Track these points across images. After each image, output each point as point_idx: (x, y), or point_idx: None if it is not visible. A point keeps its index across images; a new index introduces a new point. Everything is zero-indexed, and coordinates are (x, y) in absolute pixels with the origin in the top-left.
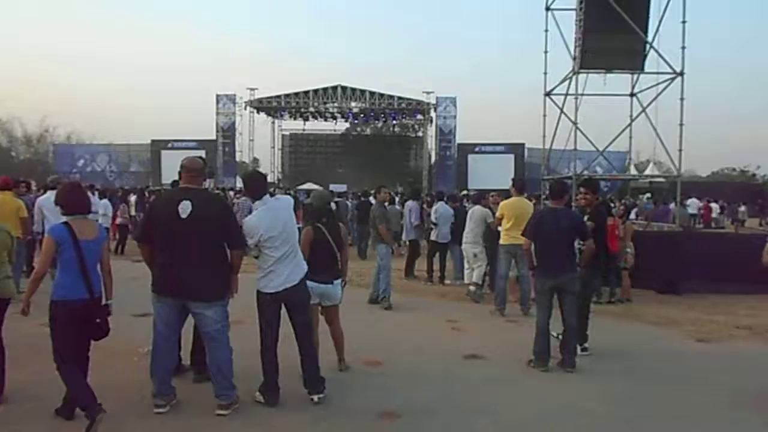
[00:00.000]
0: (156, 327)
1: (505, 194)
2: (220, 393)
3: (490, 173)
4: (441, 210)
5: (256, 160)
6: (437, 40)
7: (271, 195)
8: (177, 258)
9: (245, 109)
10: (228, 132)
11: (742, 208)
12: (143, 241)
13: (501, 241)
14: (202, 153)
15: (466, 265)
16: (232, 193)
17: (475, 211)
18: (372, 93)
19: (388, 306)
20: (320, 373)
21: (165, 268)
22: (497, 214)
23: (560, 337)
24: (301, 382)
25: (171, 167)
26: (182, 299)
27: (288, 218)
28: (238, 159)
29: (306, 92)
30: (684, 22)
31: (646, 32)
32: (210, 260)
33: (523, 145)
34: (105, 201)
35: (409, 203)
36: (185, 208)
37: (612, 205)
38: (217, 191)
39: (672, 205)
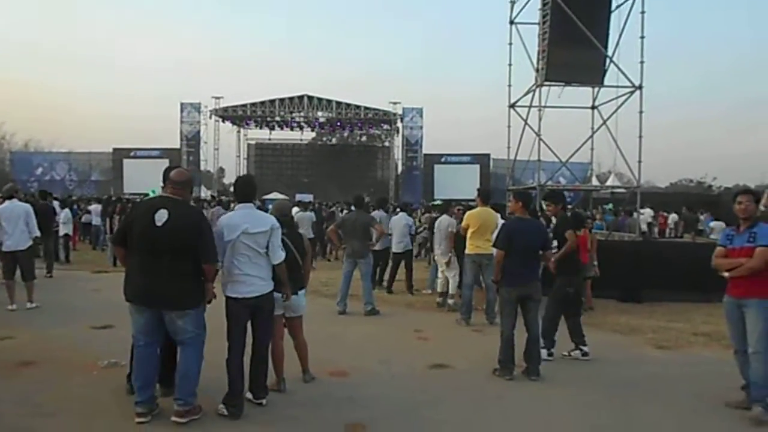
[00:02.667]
0: (133, 334)
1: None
2: (179, 396)
3: (456, 183)
4: (395, 220)
5: (221, 170)
6: (404, 52)
7: (260, 209)
8: (150, 265)
9: (210, 117)
10: (192, 141)
11: (702, 217)
12: (119, 245)
13: (466, 251)
14: (165, 162)
15: (438, 275)
16: (204, 203)
17: (441, 221)
18: (338, 103)
19: (372, 310)
20: (266, 382)
21: (137, 275)
22: (462, 224)
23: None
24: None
25: (133, 176)
26: (154, 307)
27: (266, 227)
28: (202, 168)
29: (272, 101)
30: (642, 37)
31: (606, 47)
32: (183, 269)
33: (488, 155)
34: (66, 210)
35: (376, 213)
36: (161, 216)
37: (589, 217)
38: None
39: (635, 215)
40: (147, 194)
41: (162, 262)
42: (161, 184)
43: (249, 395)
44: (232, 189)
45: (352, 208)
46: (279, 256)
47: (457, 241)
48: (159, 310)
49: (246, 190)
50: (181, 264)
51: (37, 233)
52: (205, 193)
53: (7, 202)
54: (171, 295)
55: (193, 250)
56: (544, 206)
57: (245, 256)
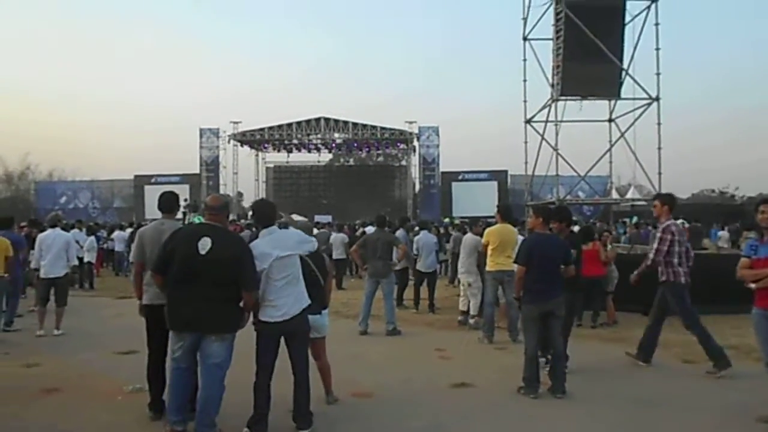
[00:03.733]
0: (171, 356)
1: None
2: (201, 421)
3: (475, 200)
4: (423, 239)
5: (240, 195)
6: (418, 71)
7: (281, 227)
8: (193, 293)
9: (228, 142)
10: (212, 166)
11: (723, 232)
12: (159, 272)
13: (487, 268)
14: (185, 188)
15: (462, 295)
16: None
17: (467, 239)
18: (355, 124)
19: (394, 330)
20: (310, 408)
21: (180, 303)
22: (483, 241)
23: (549, 360)
24: (290, 416)
25: (155, 202)
26: (196, 332)
27: (294, 247)
28: (222, 192)
29: (289, 124)
30: (658, 49)
31: (621, 60)
32: (225, 295)
33: (506, 172)
34: (91, 238)
35: (398, 232)
36: (205, 244)
37: (605, 230)
38: (236, 225)
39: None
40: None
41: (205, 289)
42: (182, 209)
43: (293, 424)
44: (250, 213)
45: (368, 227)
46: (311, 246)
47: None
48: (201, 333)
49: (267, 212)
50: (224, 291)
51: (75, 262)
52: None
53: (50, 230)
54: (214, 318)
55: (235, 278)
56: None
57: (279, 281)
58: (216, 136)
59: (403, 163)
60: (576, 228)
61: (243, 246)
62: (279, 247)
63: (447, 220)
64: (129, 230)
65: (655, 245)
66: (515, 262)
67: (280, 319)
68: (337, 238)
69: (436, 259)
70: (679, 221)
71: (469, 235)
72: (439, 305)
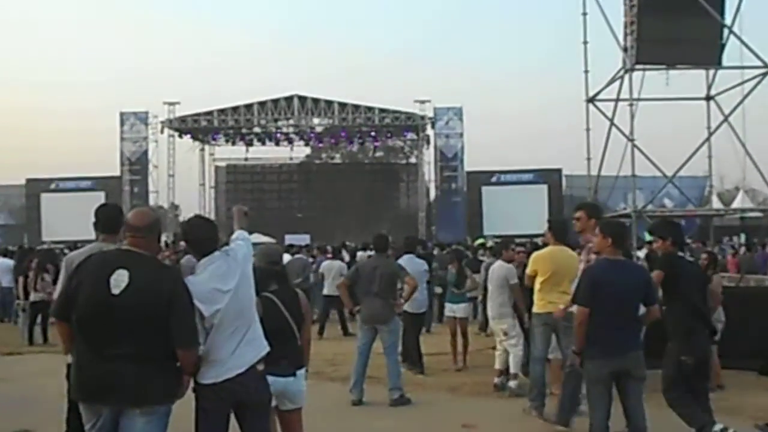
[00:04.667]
0: None
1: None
2: None
3: (515, 213)
4: (407, 267)
5: (175, 207)
6: (431, 29)
7: (224, 245)
8: (105, 348)
9: (162, 131)
10: (137, 165)
11: None
12: (62, 319)
13: (535, 309)
14: (100, 196)
15: (498, 348)
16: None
17: (495, 270)
18: (342, 105)
19: (401, 398)
20: None
21: (87, 363)
22: (528, 271)
23: None
24: None
25: (55, 217)
26: (113, 404)
27: (243, 279)
28: (152, 202)
29: (248, 106)
30: None
31: (723, 13)
32: (151, 352)
33: (559, 171)
34: (7, 260)
35: (404, 259)
36: (120, 280)
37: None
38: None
39: None
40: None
41: (123, 344)
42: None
43: None
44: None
45: (362, 252)
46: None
47: (518, 297)
48: (118, 407)
49: (203, 234)
50: (150, 346)
51: None
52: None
53: None
54: (137, 385)
55: (164, 328)
56: (650, 238)
57: (227, 328)
58: (144, 123)
59: (412, 159)
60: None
61: (176, 282)
62: (223, 281)
63: (480, 241)
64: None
65: None
66: (574, 300)
67: (223, 378)
68: (332, 266)
69: (427, 295)
70: None
71: (497, 264)
72: (467, 362)
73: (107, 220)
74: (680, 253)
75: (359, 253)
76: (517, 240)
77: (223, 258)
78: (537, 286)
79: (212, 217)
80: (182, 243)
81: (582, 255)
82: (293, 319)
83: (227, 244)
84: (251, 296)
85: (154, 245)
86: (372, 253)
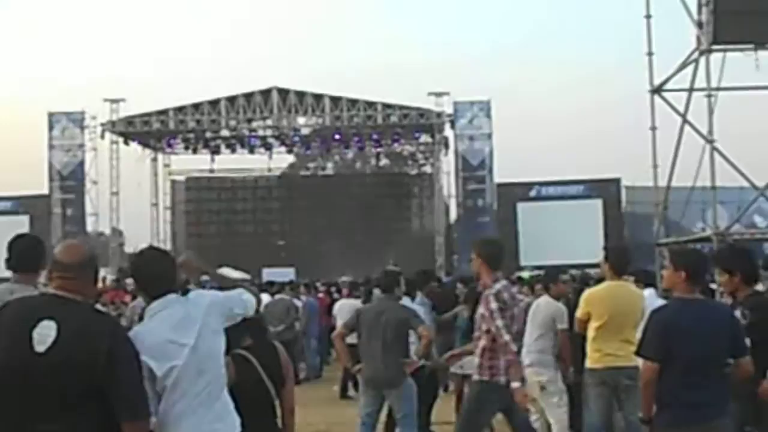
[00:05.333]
0: None
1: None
2: None
3: (560, 237)
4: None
5: (119, 234)
6: (449, 8)
7: (185, 293)
8: (27, 421)
9: (102, 136)
10: (70, 180)
11: None
12: None
13: (588, 363)
14: (23, 220)
15: (532, 410)
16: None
17: (539, 307)
18: (335, 99)
19: None
20: None
21: None
22: (579, 313)
23: None
24: None
25: None
26: None
27: (206, 332)
28: (90, 228)
29: (213, 103)
30: None
31: None
32: (85, 427)
33: (617, 182)
34: None
35: (415, 303)
36: (45, 335)
37: None
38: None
39: None
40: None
41: (47, 418)
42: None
43: None
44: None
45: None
46: (244, 304)
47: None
48: None
49: (155, 271)
50: (84, 420)
51: None
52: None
53: None
54: None
55: (104, 396)
56: (717, 276)
57: (186, 394)
58: (79, 126)
59: (427, 169)
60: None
61: (117, 335)
62: (179, 332)
63: (525, 273)
64: None
65: None
66: (638, 353)
67: None
68: (344, 306)
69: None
70: None
71: (542, 301)
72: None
73: (23, 255)
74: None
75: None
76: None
77: (179, 303)
78: (591, 333)
79: (167, 247)
80: (129, 280)
81: (480, 307)
82: (272, 383)
83: (187, 287)
84: (218, 355)
85: (89, 287)
86: (378, 294)
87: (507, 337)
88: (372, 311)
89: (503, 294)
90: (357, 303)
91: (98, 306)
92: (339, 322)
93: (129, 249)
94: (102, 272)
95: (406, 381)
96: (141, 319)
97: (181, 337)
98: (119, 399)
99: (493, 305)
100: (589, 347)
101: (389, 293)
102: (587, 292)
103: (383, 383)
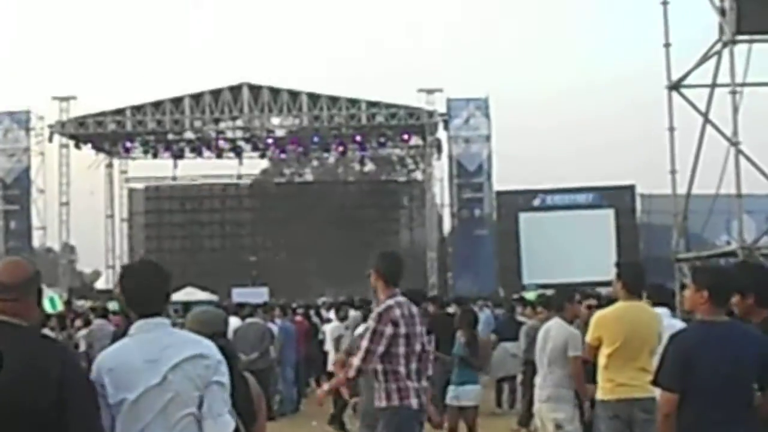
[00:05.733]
0: None
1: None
2: None
3: (568, 251)
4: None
5: (70, 249)
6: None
7: (169, 317)
8: None
9: (50, 139)
10: (14, 189)
11: None
12: None
13: (599, 395)
14: None
15: None
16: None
17: (550, 332)
18: (314, 97)
19: None
20: None
21: None
22: (588, 338)
23: None
24: None
25: None
26: None
27: (184, 368)
28: (37, 243)
29: (176, 101)
30: None
31: None
32: None
33: (631, 189)
34: None
35: None
36: None
37: None
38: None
39: None
40: None
41: None
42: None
43: None
44: (118, 290)
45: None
46: (225, 425)
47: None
48: None
49: (146, 286)
50: None
51: None
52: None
53: None
54: None
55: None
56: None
57: (136, 421)
58: (24, 127)
59: (417, 175)
60: None
61: (68, 363)
62: (157, 358)
63: (530, 294)
64: None
65: None
66: (655, 382)
67: None
68: (335, 330)
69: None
70: None
71: (554, 325)
72: None
73: None
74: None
75: (351, 312)
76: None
77: (165, 330)
78: (602, 360)
79: (124, 263)
80: (80, 302)
81: (363, 341)
82: (241, 419)
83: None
84: (189, 394)
85: (32, 310)
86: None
87: (357, 362)
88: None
89: (394, 311)
90: (356, 315)
91: (45, 331)
92: (329, 347)
93: (82, 267)
94: (50, 292)
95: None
96: (113, 341)
97: (144, 366)
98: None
99: (372, 324)
100: (600, 376)
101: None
102: (598, 314)
103: (376, 416)
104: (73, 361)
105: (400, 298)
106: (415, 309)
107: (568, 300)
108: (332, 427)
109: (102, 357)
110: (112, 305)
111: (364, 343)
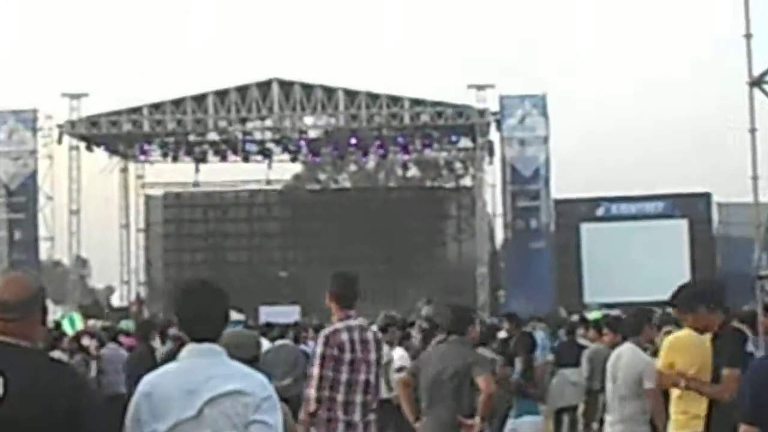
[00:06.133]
0: None
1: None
2: None
3: (636, 266)
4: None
5: (83, 263)
6: None
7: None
8: None
9: (59, 141)
10: (20, 196)
11: None
12: None
13: (672, 428)
14: None
15: None
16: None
17: (624, 359)
18: (352, 95)
19: None
20: None
21: None
22: (660, 364)
23: None
24: None
25: None
26: None
27: (225, 405)
28: (44, 257)
29: (199, 99)
30: None
31: None
32: None
33: (707, 197)
34: None
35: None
36: None
37: None
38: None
39: None
40: None
41: None
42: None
43: None
44: (174, 310)
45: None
46: None
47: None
48: None
49: (212, 307)
50: None
51: None
52: (53, 312)
53: None
54: None
55: None
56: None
57: None
58: (31, 128)
59: (466, 182)
60: None
61: (79, 389)
62: (203, 388)
63: (593, 314)
64: None
65: None
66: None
67: None
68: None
69: None
70: None
71: (626, 351)
72: None
73: None
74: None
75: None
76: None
77: (215, 359)
78: (676, 390)
79: (140, 278)
80: (91, 322)
81: (314, 368)
82: None
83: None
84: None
85: (36, 330)
86: (441, 336)
87: (311, 392)
88: (434, 357)
89: (340, 336)
90: (399, 351)
91: (57, 353)
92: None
93: (93, 282)
94: (64, 311)
95: None
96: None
97: (188, 398)
98: None
99: (319, 349)
100: (673, 408)
101: (458, 333)
102: (672, 338)
103: None
104: (85, 386)
105: (352, 322)
106: (370, 335)
107: (647, 322)
108: None
109: (143, 381)
110: (125, 323)
111: (315, 370)
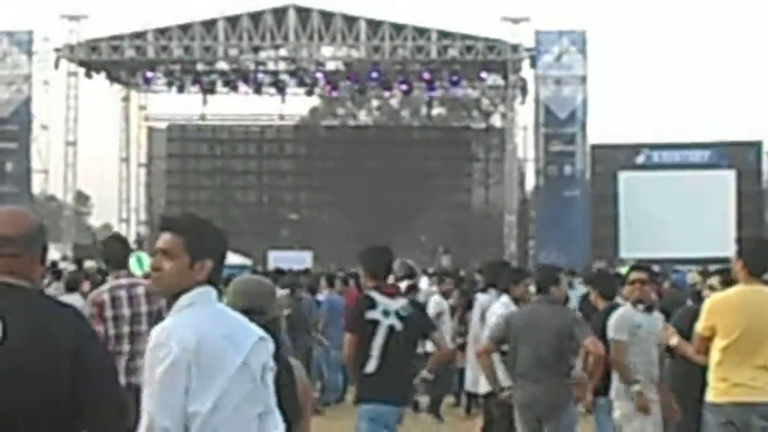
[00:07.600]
0: None
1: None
2: None
3: (676, 218)
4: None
5: (84, 198)
6: None
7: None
8: None
9: (56, 66)
10: (12, 124)
11: None
12: None
13: (710, 396)
14: None
15: None
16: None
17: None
18: (375, 24)
19: None
20: None
21: None
22: (699, 327)
23: None
24: None
25: None
26: None
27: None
28: (37, 190)
29: (208, 25)
30: None
31: None
32: None
33: (758, 146)
34: None
35: (482, 299)
36: None
37: None
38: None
39: None
40: None
41: None
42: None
43: None
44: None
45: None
46: (280, 422)
47: (678, 368)
48: None
49: (220, 246)
50: None
51: None
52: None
53: None
54: None
55: (65, 417)
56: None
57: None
58: (26, 51)
59: (496, 122)
60: None
61: (84, 333)
62: (235, 342)
63: (625, 270)
64: None
65: None
66: None
67: None
68: (443, 307)
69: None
70: None
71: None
72: None
73: None
74: None
75: (424, 283)
76: (679, 267)
77: (221, 304)
78: (716, 355)
79: (141, 217)
80: (88, 263)
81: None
82: (286, 418)
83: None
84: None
85: (36, 269)
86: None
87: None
88: (529, 317)
89: (102, 296)
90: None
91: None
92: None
93: (92, 221)
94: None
95: (568, 409)
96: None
97: (231, 344)
98: (90, 413)
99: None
100: (711, 374)
101: (546, 291)
102: (712, 299)
103: (542, 411)
104: (89, 330)
105: (122, 281)
106: (140, 290)
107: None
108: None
109: (179, 336)
110: (89, 263)
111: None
